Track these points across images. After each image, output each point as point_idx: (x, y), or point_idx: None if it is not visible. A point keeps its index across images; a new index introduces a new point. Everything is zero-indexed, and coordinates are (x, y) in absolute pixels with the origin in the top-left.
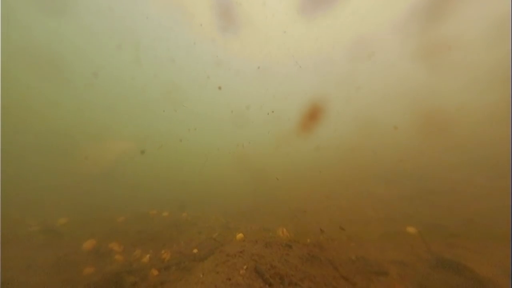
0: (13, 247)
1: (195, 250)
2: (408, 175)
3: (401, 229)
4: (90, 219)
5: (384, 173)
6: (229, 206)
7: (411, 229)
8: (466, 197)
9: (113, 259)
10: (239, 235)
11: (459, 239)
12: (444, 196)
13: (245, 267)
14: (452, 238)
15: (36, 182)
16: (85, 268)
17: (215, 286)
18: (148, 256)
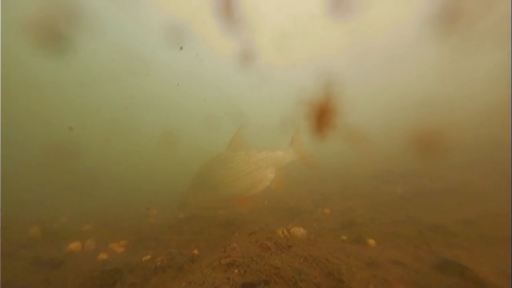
0: (13, 247)
1: (195, 251)
2: (408, 175)
3: (401, 229)
4: (90, 219)
5: (383, 173)
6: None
7: (410, 229)
8: (466, 197)
9: (113, 259)
10: (240, 236)
11: (459, 239)
12: (444, 196)
13: (245, 267)
14: (452, 238)
15: (36, 180)
16: (85, 268)
17: (215, 287)
18: (148, 256)
